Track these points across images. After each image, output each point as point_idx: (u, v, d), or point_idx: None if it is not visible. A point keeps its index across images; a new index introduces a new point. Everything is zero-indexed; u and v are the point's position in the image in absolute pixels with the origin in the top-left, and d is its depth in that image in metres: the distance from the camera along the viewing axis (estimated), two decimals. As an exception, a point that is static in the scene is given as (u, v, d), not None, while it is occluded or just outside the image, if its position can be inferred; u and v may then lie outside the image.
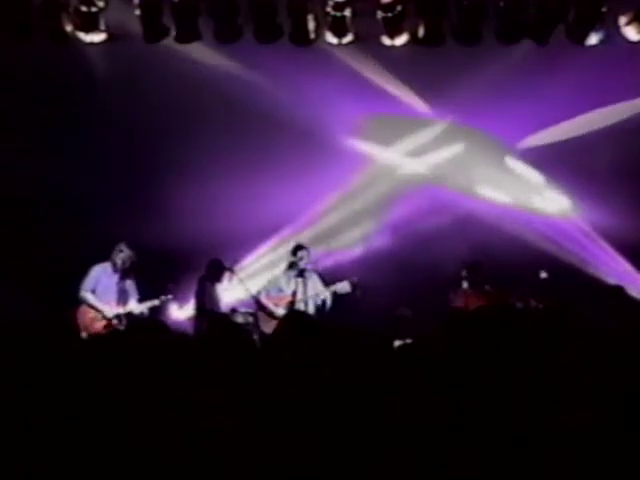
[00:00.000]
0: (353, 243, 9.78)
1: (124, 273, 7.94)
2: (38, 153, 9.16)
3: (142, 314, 7.97)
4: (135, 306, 7.97)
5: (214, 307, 8.52)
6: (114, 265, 7.97)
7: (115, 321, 7.91)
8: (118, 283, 7.93)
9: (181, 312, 9.34)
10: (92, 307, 7.94)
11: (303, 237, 9.24)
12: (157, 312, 8.14)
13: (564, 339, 3.57)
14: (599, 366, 3.22)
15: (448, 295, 8.39)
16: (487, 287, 8.32)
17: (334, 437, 2.87)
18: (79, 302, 7.98)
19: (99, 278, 7.99)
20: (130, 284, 8.01)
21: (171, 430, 2.92)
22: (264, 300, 8.39)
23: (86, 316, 7.95)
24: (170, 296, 8.14)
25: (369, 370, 3.25)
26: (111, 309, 7.92)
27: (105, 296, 7.96)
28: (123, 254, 7.93)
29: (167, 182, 9.14)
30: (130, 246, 7.95)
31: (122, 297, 7.92)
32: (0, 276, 8.57)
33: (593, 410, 2.89)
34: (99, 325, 7.91)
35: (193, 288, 8.70)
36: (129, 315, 7.95)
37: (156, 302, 8.05)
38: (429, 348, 3.24)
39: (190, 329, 8.38)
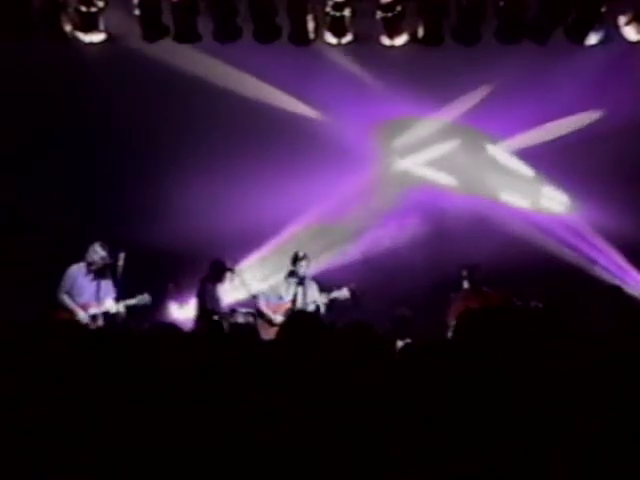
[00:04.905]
0: (354, 244, 9.77)
1: (99, 273, 7.89)
2: (38, 153, 9.17)
3: (119, 313, 7.88)
4: (111, 305, 7.90)
5: (215, 307, 8.54)
6: (88, 265, 7.94)
7: (90, 323, 7.81)
8: (93, 283, 7.89)
9: (181, 312, 9.35)
10: (69, 309, 7.87)
11: (303, 238, 9.25)
12: (135, 311, 8.03)
13: (564, 339, 3.57)
14: (599, 367, 3.22)
15: (449, 296, 8.37)
16: (485, 288, 8.28)
17: (336, 437, 2.88)
18: (57, 305, 7.89)
19: (75, 279, 7.92)
20: (106, 283, 7.93)
21: (171, 429, 2.93)
22: (263, 307, 8.44)
23: (63, 318, 7.86)
24: (147, 295, 8.03)
25: (371, 370, 3.26)
26: (86, 311, 7.86)
27: (81, 296, 7.90)
28: (96, 255, 7.89)
29: (168, 182, 9.14)
30: (104, 247, 7.92)
31: (98, 296, 7.86)
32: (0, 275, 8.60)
33: (593, 410, 2.90)
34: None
35: (194, 288, 8.71)
36: (105, 315, 7.89)
37: (132, 301, 7.96)
38: (434, 349, 3.25)
39: (190, 329, 8.37)
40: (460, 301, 8.23)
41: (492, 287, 8.27)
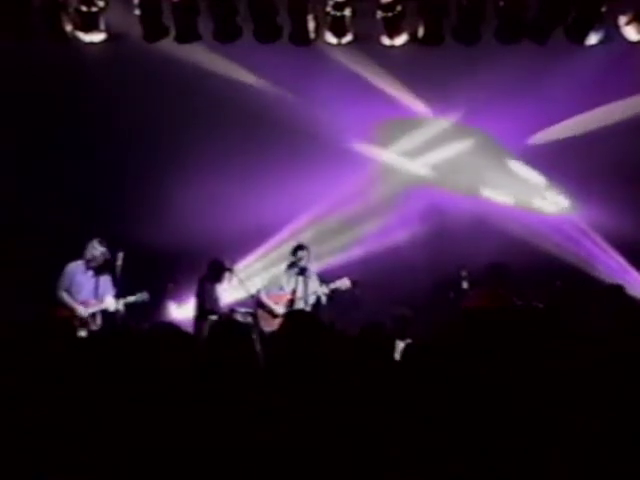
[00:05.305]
0: (354, 244, 9.76)
1: (98, 270, 7.87)
2: (38, 153, 9.17)
3: (118, 311, 7.85)
4: (111, 302, 7.87)
5: (214, 307, 8.54)
6: (87, 262, 7.92)
7: (89, 320, 7.79)
8: (92, 280, 7.86)
9: (181, 312, 9.35)
10: (68, 307, 7.84)
11: (303, 238, 9.24)
12: (134, 309, 8.02)
13: (564, 339, 3.57)
14: (599, 367, 3.22)
15: (464, 294, 8.26)
16: (502, 290, 8.07)
17: (336, 437, 2.88)
18: (57, 303, 7.84)
19: (73, 276, 7.88)
20: (105, 280, 7.89)
21: (171, 429, 2.93)
22: (264, 298, 8.47)
23: (62, 316, 7.82)
24: (146, 292, 8.00)
25: (371, 370, 3.26)
26: (86, 308, 7.84)
27: (80, 294, 7.87)
28: (96, 251, 7.87)
29: (168, 182, 9.14)
30: (103, 243, 7.90)
31: (97, 294, 7.84)
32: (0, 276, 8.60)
33: (593, 410, 2.90)
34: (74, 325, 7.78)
35: (193, 288, 8.71)
36: (104, 312, 7.87)
37: (132, 298, 7.92)
38: (434, 348, 3.25)
39: (190, 329, 8.37)
40: (475, 299, 8.10)
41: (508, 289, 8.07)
